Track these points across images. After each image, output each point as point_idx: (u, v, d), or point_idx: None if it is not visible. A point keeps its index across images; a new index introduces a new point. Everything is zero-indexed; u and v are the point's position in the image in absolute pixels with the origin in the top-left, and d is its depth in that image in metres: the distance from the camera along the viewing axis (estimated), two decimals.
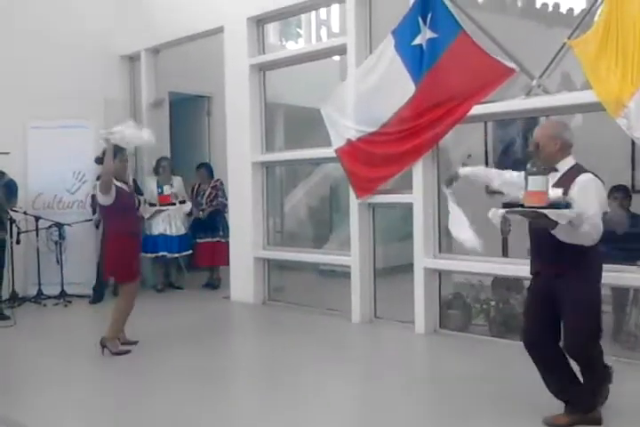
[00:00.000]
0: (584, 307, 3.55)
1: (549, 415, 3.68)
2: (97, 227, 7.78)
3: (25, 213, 7.55)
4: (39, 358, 5.37)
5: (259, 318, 7.07)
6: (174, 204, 8.17)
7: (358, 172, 6.21)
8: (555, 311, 3.60)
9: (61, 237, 7.61)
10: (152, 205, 8.14)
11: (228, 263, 7.86)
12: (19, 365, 5.24)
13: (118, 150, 5.31)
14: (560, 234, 3.43)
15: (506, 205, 3.53)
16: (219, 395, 4.42)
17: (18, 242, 7.24)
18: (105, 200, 5.24)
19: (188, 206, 8.15)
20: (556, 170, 3.60)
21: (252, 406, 4.25)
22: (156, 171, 8.27)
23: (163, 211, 8.07)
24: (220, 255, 8.19)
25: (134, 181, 8.30)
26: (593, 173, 3.55)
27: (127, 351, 5.31)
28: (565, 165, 3.61)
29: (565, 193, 3.44)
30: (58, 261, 7.58)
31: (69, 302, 7.47)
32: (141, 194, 8.19)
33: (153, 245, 8.20)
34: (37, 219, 7.51)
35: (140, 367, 5.06)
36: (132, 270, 5.39)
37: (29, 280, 7.82)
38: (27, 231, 7.53)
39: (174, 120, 9.33)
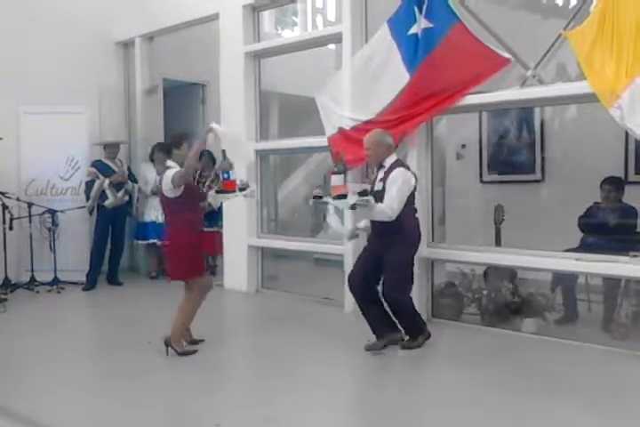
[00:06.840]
0: (397, 265, 4.83)
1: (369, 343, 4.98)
2: (90, 213, 7.78)
3: (18, 199, 7.53)
4: (33, 345, 5.38)
5: (251, 306, 7.09)
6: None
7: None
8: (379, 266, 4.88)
9: (54, 223, 7.58)
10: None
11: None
12: (11, 352, 5.23)
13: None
14: (361, 213, 4.89)
15: (314, 197, 4.93)
16: (212, 382, 4.45)
17: (11, 228, 7.25)
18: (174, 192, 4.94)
19: None
20: (383, 166, 4.86)
21: (246, 393, 4.28)
22: (152, 158, 8.23)
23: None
24: (218, 244, 8.16)
25: (129, 168, 8.29)
26: (405, 167, 4.85)
27: (194, 351, 4.97)
28: (390, 160, 4.86)
29: (385, 181, 4.75)
30: (51, 248, 7.56)
31: (62, 288, 7.46)
32: (136, 181, 8.17)
33: (144, 232, 8.23)
34: (30, 205, 7.49)
35: (133, 353, 5.08)
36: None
37: (22, 267, 7.81)
38: (19, 218, 7.52)
39: (168, 107, 9.28)
